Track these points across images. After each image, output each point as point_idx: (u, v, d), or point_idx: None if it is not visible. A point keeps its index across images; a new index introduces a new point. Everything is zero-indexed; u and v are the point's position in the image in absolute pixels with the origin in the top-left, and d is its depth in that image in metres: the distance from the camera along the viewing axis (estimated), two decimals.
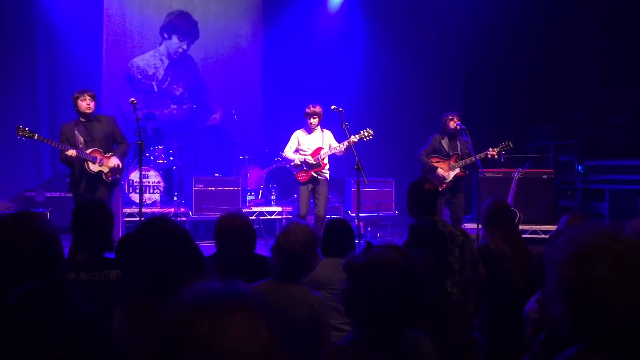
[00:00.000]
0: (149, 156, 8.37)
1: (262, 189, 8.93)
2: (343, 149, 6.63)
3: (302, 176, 6.77)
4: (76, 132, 5.70)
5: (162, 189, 8.43)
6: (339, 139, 6.79)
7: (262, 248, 6.81)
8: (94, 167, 5.70)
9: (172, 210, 8.14)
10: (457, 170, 6.63)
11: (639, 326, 1.20)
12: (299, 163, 6.78)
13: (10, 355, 1.15)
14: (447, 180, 6.61)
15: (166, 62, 9.90)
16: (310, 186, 6.78)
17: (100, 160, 5.72)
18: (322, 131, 6.87)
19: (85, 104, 5.70)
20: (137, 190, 6.75)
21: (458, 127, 6.61)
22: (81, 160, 5.66)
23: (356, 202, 6.36)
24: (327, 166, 6.84)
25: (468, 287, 3.34)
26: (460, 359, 3.14)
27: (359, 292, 1.78)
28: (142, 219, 6.09)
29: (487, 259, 3.63)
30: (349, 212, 8.38)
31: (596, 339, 1.24)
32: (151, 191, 8.36)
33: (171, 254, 1.91)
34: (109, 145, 5.86)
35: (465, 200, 6.96)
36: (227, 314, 0.94)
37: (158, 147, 8.59)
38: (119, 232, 6.99)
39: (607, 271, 1.22)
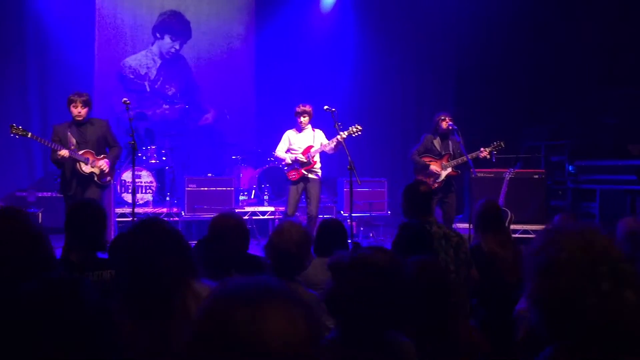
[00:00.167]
0: (142, 156, 8.35)
1: (254, 189, 8.93)
2: (333, 146, 6.66)
3: (293, 175, 6.79)
4: (69, 133, 5.69)
5: (154, 189, 8.41)
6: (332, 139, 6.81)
7: (255, 248, 6.81)
8: (86, 169, 5.69)
9: (164, 210, 8.12)
10: (449, 169, 6.67)
11: (610, 329, 1.27)
12: (291, 162, 6.80)
13: (24, 346, 1.17)
14: (440, 179, 6.64)
15: (158, 62, 9.89)
16: (301, 186, 6.79)
17: (93, 162, 5.72)
18: (313, 130, 6.90)
19: (77, 110, 5.67)
20: (130, 190, 6.75)
21: (450, 127, 6.65)
22: (73, 161, 5.65)
23: (349, 202, 6.38)
24: (319, 165, 6.87)
25: (463, 288, 3.37)
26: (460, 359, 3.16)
27: (342, 291, 1.80)
28: (135, 219, 6.09)
29: (479, 259, 3.66)
30: (342, 212, 8.40)
31: (570, 341, 1.31)
32: (143, 191, 8.34)
33: (165, 255, 1.92)
34: (101, 148, 5.85)
35: (457, 200, 7.00)
36: (266, 303, 0.98)
37: (150, 147, 8.58)
38: (112, 233, 6.98)
39: (575, 281, 1.28)
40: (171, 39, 9.92)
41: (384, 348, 1.83)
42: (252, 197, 8.96)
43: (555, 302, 1.30)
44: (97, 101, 8.97)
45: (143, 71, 9.80)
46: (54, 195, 7.66)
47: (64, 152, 5.53)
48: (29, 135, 5.59)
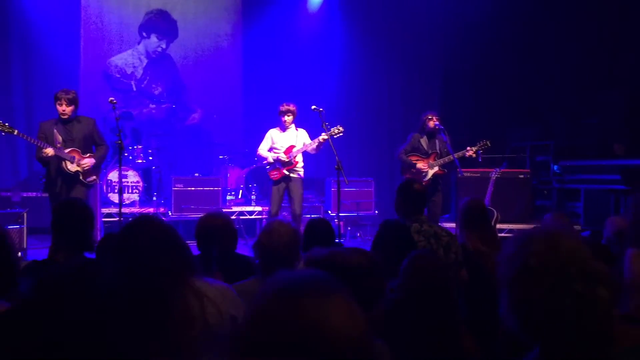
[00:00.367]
0: (128, 156, 8.31)
1: (242, 188, 8.92)
2: (315, 146, 6.66)
3: (275, 174, 6.79)
4: (55, 130, 5.64)
5: (141, 189, 8.37)
6: None
7: (243, 248, 6.81)
8: (71, 167, 5.65)
9: (151, 210, 8.09)
10: (436, 168, 6.71)
11: (588, 327, 1.29)
12: (272, 161, 6.80)
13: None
14: (427, 178, 6.68)
15: (145, 61, 9.83)
16: (283, 185, 6.79)
17: (78, 160, 5.67)
18: (297, 130, 6.90)
19: (62, 108, 5.62)
20: (116, 190, 6.70)
21: (437, 127, 6.69)
22: (58, 160, 5.61)
23: (336, 201, 6.40)
24: (301, 164, 6.87)
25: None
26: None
27: None
28: (122, 219, 6.06)
29: (466, 258, 3.68)
30: (329, 212, 8.42)
31: (547, 345, 1.34)
32: (130, 191, 8.30)
33: (163, 253, 1.91)
34: (87, 146, 5.81)
35: (443, 200, 7.04)
36: (332, 294, 1.01)
37: (137, 147, 8.53)
38: (98, 233, 6.93)
39: (547, 285, 1.31)
40: (158, 38, 9.87)
41: None
42: (240, 197, 8.94)
43: (532, 308, 1.32)
44: (83, 100, 8.84)
45: (129, 70, 9.75)
46: (39, 195, 7.58)
47: (49, 151, 5.48)
48: (15, 132, 5.52)
